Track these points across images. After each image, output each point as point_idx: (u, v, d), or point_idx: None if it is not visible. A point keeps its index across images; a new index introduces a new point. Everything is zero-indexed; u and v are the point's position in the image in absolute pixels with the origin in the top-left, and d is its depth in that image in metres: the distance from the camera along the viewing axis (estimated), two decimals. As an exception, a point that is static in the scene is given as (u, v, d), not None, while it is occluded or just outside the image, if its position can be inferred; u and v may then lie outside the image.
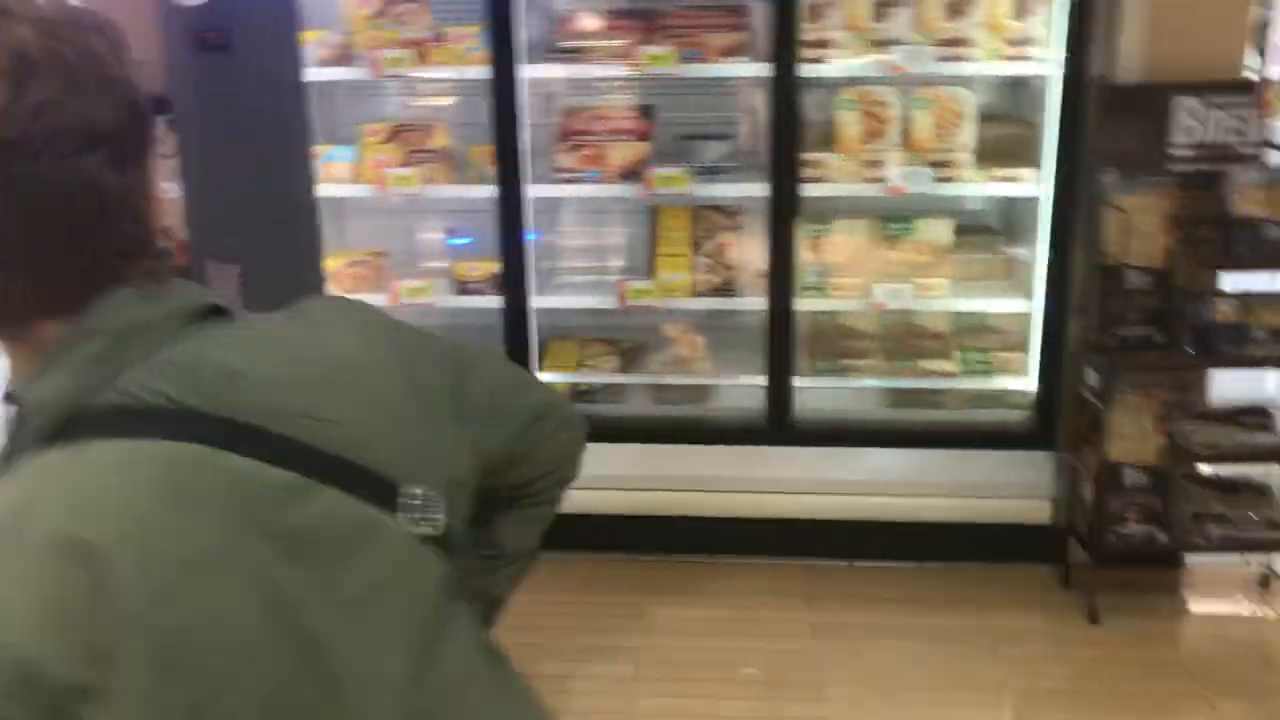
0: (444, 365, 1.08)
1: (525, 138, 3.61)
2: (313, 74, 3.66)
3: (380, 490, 0.93)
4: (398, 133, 3.76)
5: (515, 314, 3.74)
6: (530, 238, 3.73)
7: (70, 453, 0.84)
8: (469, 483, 1.03)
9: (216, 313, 0.96)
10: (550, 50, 3.65)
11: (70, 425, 0.85)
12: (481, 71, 3.57)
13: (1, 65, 0.81)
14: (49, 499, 0.82)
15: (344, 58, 3.64)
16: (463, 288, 3.86)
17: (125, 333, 0.88)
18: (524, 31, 3.54)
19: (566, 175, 3.70)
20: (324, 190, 3.84)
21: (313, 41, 3.61)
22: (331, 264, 3.89)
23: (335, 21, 3.71)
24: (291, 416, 0.91)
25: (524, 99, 3.57)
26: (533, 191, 3.67)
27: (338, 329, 1.03)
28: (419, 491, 0.95)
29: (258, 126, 2.67)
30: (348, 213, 4.22)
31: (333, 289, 3.74)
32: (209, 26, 2.52)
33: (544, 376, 3.85)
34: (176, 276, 0.95)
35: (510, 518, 1.21)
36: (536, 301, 3.78)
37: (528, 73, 3.56)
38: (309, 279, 2.84)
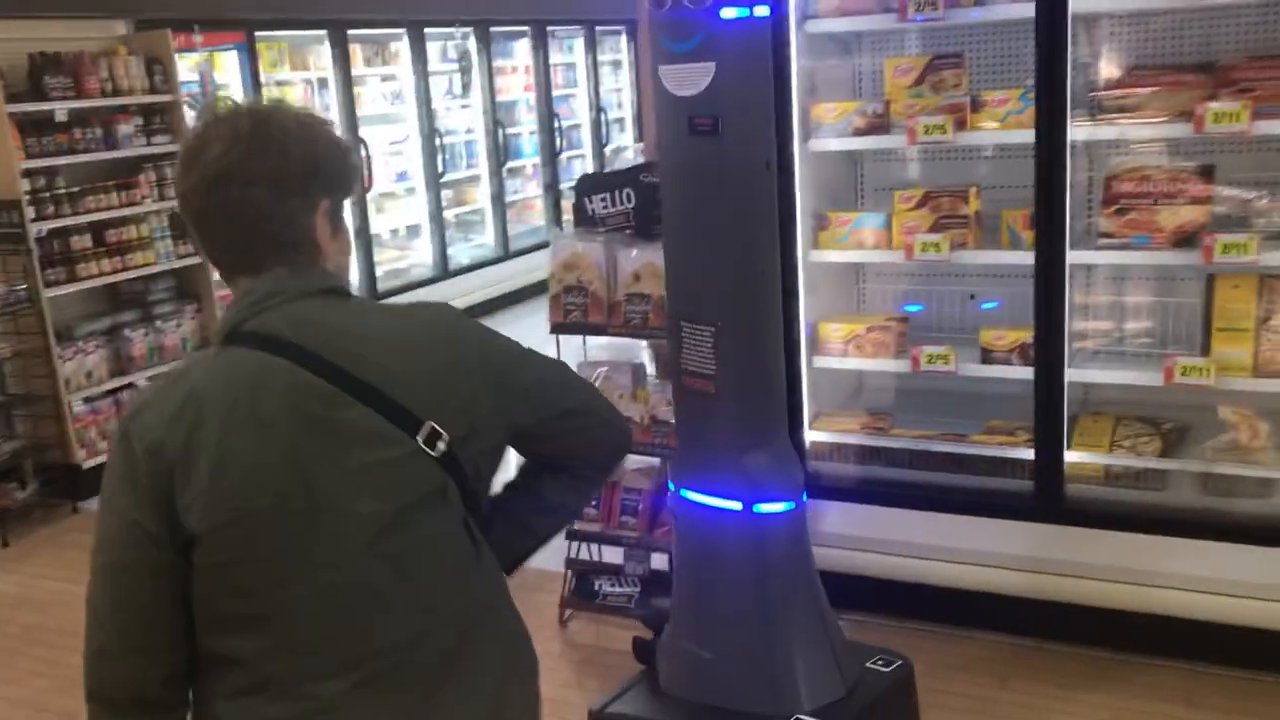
0: (498, 359, 1.61)
1: (1070, 202, 3.43)
2: (845, 144, 3.78)
3: (403, 418, 1.46)
4: (928, 198, 3.74)
5: (1047, 386, 3.54)
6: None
7: (222, 350, 1.48)
8: (489, 436, 1.57)
9: (336, 293, 1.54)
10: (1094, 109, 3.45)
11: (230, 337, 1.48)
12: (1020, 135, 3.45)
13: (223, 135, 1.47)
14: (199, 370, 1.48)
15: (879, 126, 3.70)
16: (987, 356, 3.73)
17: (271, 292, 1.49)
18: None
19: (1111, 240, 3.45)
20: (849, 256, 3.92)
21: (849, 112, 3.72)
22: (849, 328, 3.95)
23: (871, 93, 3.80)
24: (352, 356, 1.46)
25: (1069, 163, 3.39)
26: (1073, 258, 3.47)
27: (422, 318, 1.58)
28: (431, 425, 1.47)
29: (734, 203, 2.90)
30: (869, 277, 4.27)
31: (812, 350, 3.79)
32: (701, 113, 2.78)
33: (1072, 455, 3.61)
34: (321, 269, 1.55)
35: (556, 480, 1.74)
36: (1071, 374, 3.55)
37: (1074, 134, 3.39)
38: (773, 340, 3.01)
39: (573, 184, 4.31)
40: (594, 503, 4.00)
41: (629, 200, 3.89)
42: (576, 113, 11.30)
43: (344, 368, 1.45)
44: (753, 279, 2.94)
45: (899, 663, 3.14)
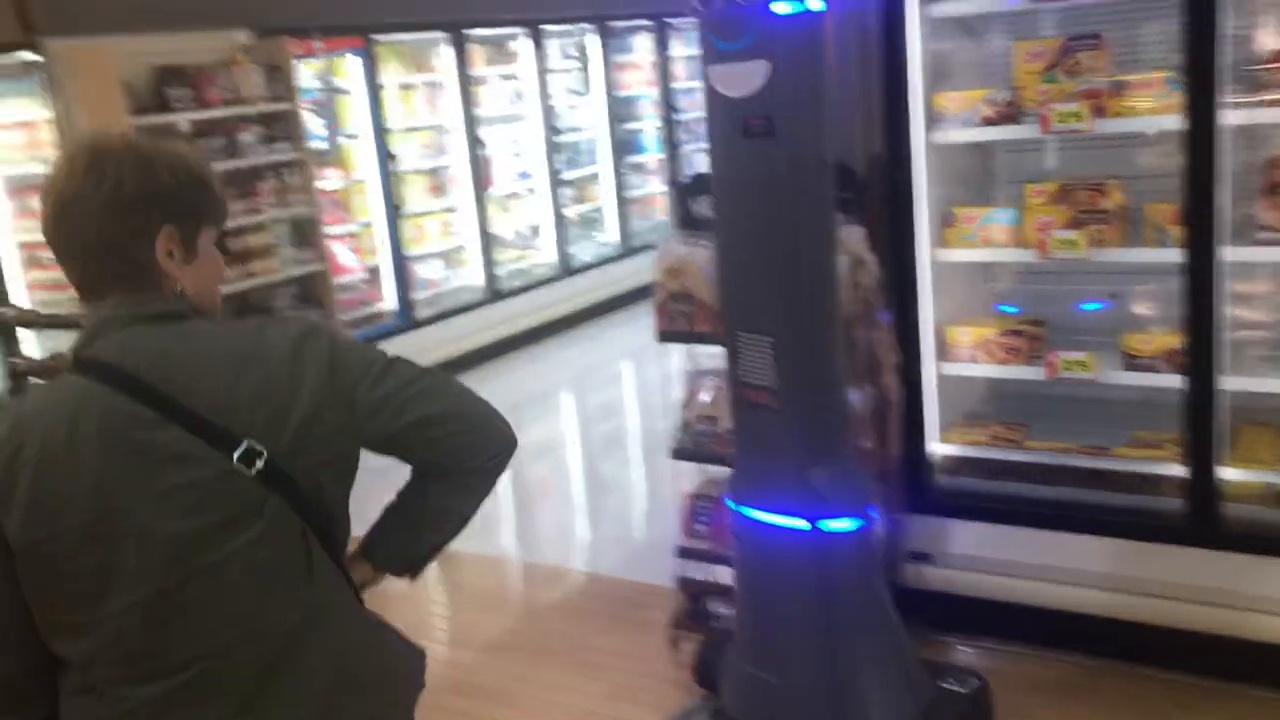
0: (346, 374, 1.63)
1: (1222, 194, 3.09)
2: (971, 134, 3.51)
3: (219, 438, 1.53)
4: (1064, 192, 3.44)
5: (1199, 395, 3.21)
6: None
7: (59, 377, 1.60)
8: (329, 449, 1.62)
9: (171, 317, 1.61)
10: (1251, 87, 3.10)
11: (71, 363, 1.59)
12: (1169, 121, 3.13)
13: (65, 169, 1.61)
14: (32, 398, 1.67)
15: (1009, 115, 3.42)
16: (1131, 362, 3.42)
17: (107, 318, 1.60)
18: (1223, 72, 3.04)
19: (1273, 234, 3.10)
20: (977, 255, 3.65)
21: (976, 101, 3.46)
22: (979, 332, 3.68)
23: (1001, 79, 3.52)
24: (174, 380, 1.55)
25: (1223, 149, 3.06)
26: (1227, 254, 3.13)
27: (263, 338, 1.64)
28: (249, 443, 1.54)
29: (791, 206, 2.73)
30: (1001, 276, 3.98)
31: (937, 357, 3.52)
32: (755, 114, 2.65)
33: (1230, 472, 3.27)
34: (161, 294, 1.62)
35: (440, 484, 1.78)
36: (1226, 382, 3.21)
37: (1227, 118, 3.05)
38: (834, 349, 2.86)
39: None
40: (703, 519, 3.83)
41: (738, 202, 3.69)
42: (699, 105, 11.06)
43: (163, 391, 1.54)
44: (812, 286, 2.78)
45: (976, 683, 3.00)
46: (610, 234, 9.86)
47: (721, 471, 3.87)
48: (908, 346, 3.66)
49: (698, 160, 11.07)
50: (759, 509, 2.83)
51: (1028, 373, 3.63)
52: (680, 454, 3.82)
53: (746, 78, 2.66)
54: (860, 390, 3.45)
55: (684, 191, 3.83)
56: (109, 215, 1.58)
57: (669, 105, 10.31)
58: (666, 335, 3.72)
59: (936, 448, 3.76)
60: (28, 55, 5.46)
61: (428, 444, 1.72)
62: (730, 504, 2.96)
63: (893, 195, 3.56)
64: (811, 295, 2.78)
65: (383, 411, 1.65)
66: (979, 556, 3.62)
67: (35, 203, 5.47)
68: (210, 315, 1.71)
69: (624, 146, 9.82)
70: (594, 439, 6.73)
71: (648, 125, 10.36)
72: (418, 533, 1.83)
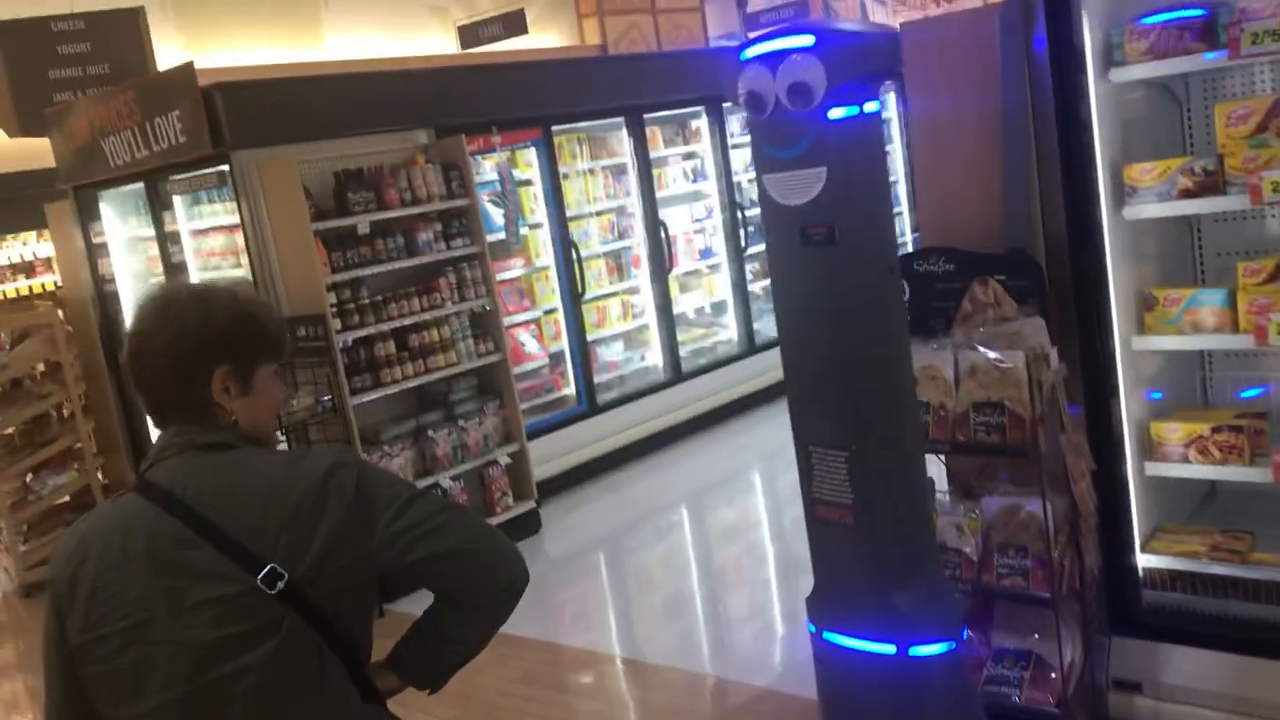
0: (368, 506, 1.79)
1: None
2: (1168, 209, 3.12)
3: (247, 559, 1.73)
4: (1283, 270, 2.99)
5: None
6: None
7: (122, 495, 1.85)
8: (348, 577, 1.78)
9: (220, 447, 1.83)
10: None
11: (135, 484, 1.84)
12: None
13: (138, 318, 1.87)
14: (97, 514, 1.87)
15: (1211, 185, 3.01)
16: (1380, 466, 2.92)
17: (166, 445, 1.85)
18: None
19: None
20: (1182, 342, 3.23)
21: (1172, 171, 3.07)
22: (1190, 428, 3.24)
23: (1202, 146, 3.12)
24: (213, 506, 1.76)
25: None
26: None
27: (297, 469, 1.81)
28: (272, 566, 1.72)
29: (859, 314, 2.66)
30: (1215, 364, 3.52)
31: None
32: (815, 222, 2.62)
33: None
34: (215, 425, 1.86)
35: (455, 612, 1.91)
36: None
37: None
38: (915, 460, 2.74)
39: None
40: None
41: (903, 292, 3.40)
42: (893, 170, 10.74)
43: (201, 514, 1.75)
44: (885, 396, 2.68)
45: None
46: (799, 307, 9.58)
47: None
48: (1104, 447, 3.26)
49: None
50: (842, 634, 2.67)
51: (1250, 474, 3.16)
52: (849, 567, 3.52)
53: (804, 186, 2.63)
54: (1048, 500, 3.08)
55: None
56: (171, 359, 1.82)
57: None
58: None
59: (1142, 560, 3.32)
60: (220, 167, 5.74)
61: (441, 576, 1.85)
62: (811, 628, 2.78)
63: (1078, 280, 3.19)
64: (885, 406, 2.68)
65: (398, 544, 1.79)
66: (1198, 689, 3.15)
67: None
68: (263, 442, 1.93)
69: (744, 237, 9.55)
70: (784, 527, 6.43)
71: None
72: (436, 653, 1.96)
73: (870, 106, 2.64)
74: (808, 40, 2.60)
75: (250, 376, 1.88)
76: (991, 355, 3.08)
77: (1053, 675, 3.17)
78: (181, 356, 1.81)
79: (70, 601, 1.78)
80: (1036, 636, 3.25)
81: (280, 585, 1.71)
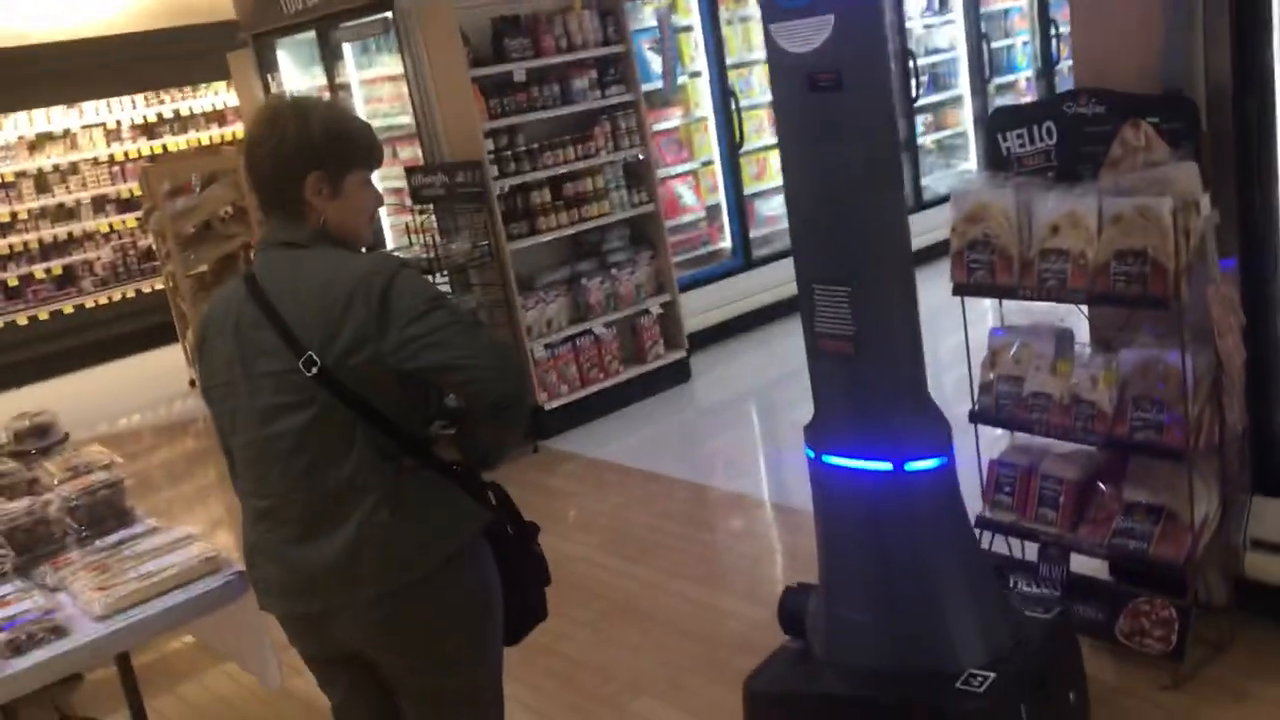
0: (393, 311, 2.03)
1: None
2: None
3: (294, 344, 2.06)
4: None
5: None
6: None
7: (237, 278, 2.21)
8: (369, 369, 2.05)
9: (297, 245, 2.14)
10: None
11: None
12: None
13: (251, 123, 2.19)
14: (220, 290, 2.25)
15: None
16: None
17: (264, 238, 2.22)
18: None
19: None
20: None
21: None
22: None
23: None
24: (279, 295, 2.09)
25: None
26: None
27: (345, 270, 2.08)
28: (309, 353, 2.04)
29: (862, 157, 2.72)
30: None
31: None
32: (822, 69, 2.68)
33: None
34: (303, 225, 2.15)
35: (470, 422, 2.22)
36: None
37: None
38: (908, 295, 2.86)
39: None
40: (1006, 490, 3.49)
41: (1049, 136, 3.27)
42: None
43: (270, 302, 2.08)
44: (885, 234, 2.82)
45: (1059, 608, 3.03)
46: (970, 163, 9.23)
47: (1026, 438, 3.52)
48: (1257, 302, 3.10)
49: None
50: (842, 455, 2.86)
51: None
52: (979, 417, 3.49)
53: (813, 32, 2.68)
54: (1189, 354, 2.97)
55: (993, 125, 3.44)
56: (273, 161, 2.11)
57: (1045, 16, 9.43)
58: (961, 288, 3.38)
59: (1291, 421, 3.18)
60: (385, 14, 5.88)
61: (446, 385, 2.13)
62: (810, 453, 2.94)
63: (1240, 124, 2.99)
64: (882, 243, 2.81)
65: (405, 350, 2.02)
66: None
67: (402, 150, 5.92)
68: (351, 243, 2.19)
69: (990, 66, 9.11)
70: (946, 385, 6.34)
71: (1018, 41, 9.56)
72: (469, 443, 2.25)
73: None
74: None
75: (340, 182, 2.14)
76: (1137, 201, 2.94)
77: (1184, 531, 3.11)
78: (281, 159, 2.10)
79: (199, 355, 2.26)
80: (1169, 493, 3.17)
81: (314, 370, 2.03)
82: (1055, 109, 3.25)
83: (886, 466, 2.78)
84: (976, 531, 3.56)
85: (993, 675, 2.71)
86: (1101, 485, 3.37)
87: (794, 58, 2.72)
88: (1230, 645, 3.20)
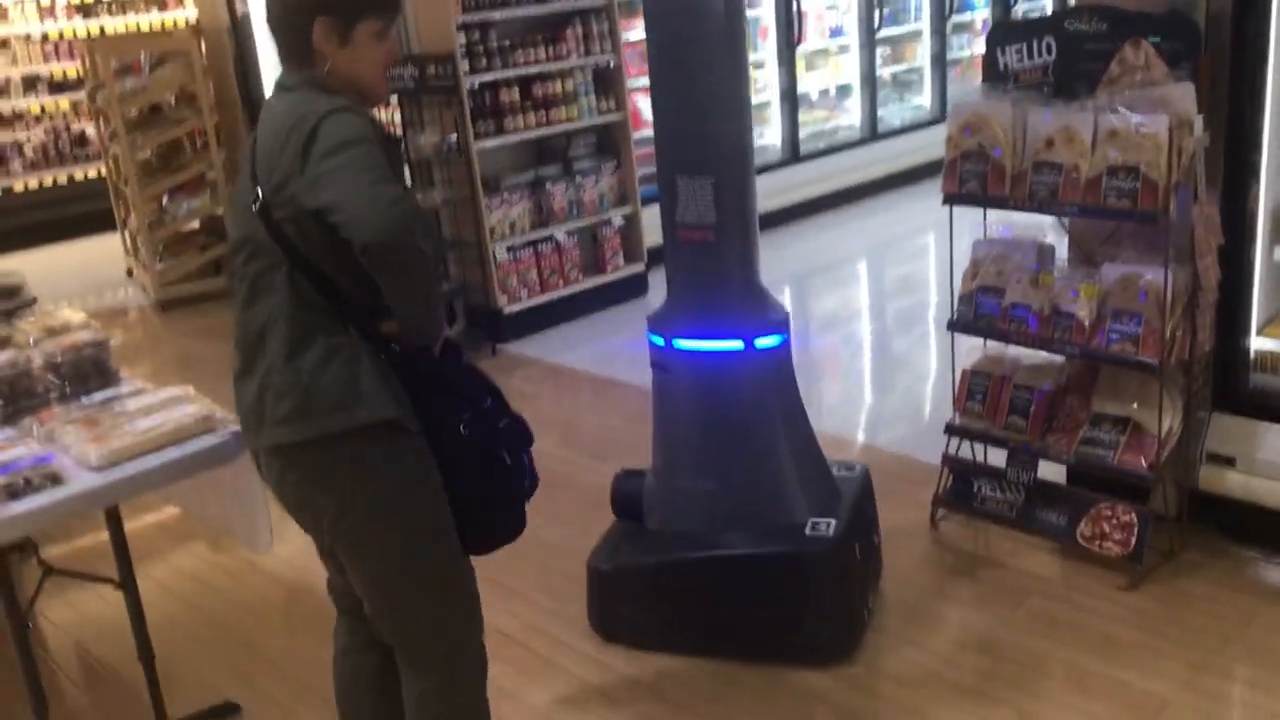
0: (312, 153, 1.97)
1: None
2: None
3: (253, 179, 2.10)
4: None
5: None
6: None
7: None
8: (292, 206, 2.02)
9: (290, 89, 2.12)
10: None
11: None
12: None
13: None
14: None
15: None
16: None
17: (275, 81, 2.18)
18: None
19: None
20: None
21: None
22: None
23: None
24: (258, 138, 2.13)
25: None
26: None
27: (294, 114, 2.03)
28: (257, 188, 2.08)
29: (727, 47, 2.93)
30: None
31: None
32: None
33: None
34: (308, 71, 2.12)
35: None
36: None
37: None
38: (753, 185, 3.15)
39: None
40: (978, 396, 3.60)
41: (1049, 52, 3.33)
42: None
43: (254, 142, 2.14)
44: (741, 128, 3.04)
45: (861, 467, 3.41)
46: (925, 97, 9.32)
47: (998, 349, 3.62)
48: (1235, 226, 3.22)
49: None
50: (696, 338, 3.10)
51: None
52: (957, 326, 3.58)
53: None
54: (1170, 270, 3.08)
55: (992, 39, 3.49)
56: (284, 5, 2.10)
57: (1004, -42, 9.50)
58: (954, 198, 3.45)
59: (1255, 343, 3.32)
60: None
61: (335, 227, 1.96)
62: (659, 340, 3.17)
63: (1237, 48, 3.08)
64: (739, 136, 3.03)
65: (310, 189, 1.96)
66: (1294, 468, 3.20)
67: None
68: (364, 95, 2.14)
69: (950, 3, 9.16)
70: (888, 312, 6.48)
71: (978, -19, 9.62)
72: (395, 312, 2.10)
73: None
74: None
75: (350, 30, 2.08)
76: (1134, 118, 3.02)
77: (1149, 441, 3.24)
78: (290, 4, 2.09)
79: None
80: (1136, 405, 3.31)
81: (255, 205, 2.06)
82: (1056, 25, 3.31)
83: (739, 345, 3.07)
84: (953, 442, 3.69)
85: (833, 520, 3.06)
86: (1069, 396, 3.49)
87: None
88: (1179, 553, 3.36)
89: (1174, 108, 3.01)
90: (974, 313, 3.53)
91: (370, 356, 2.09)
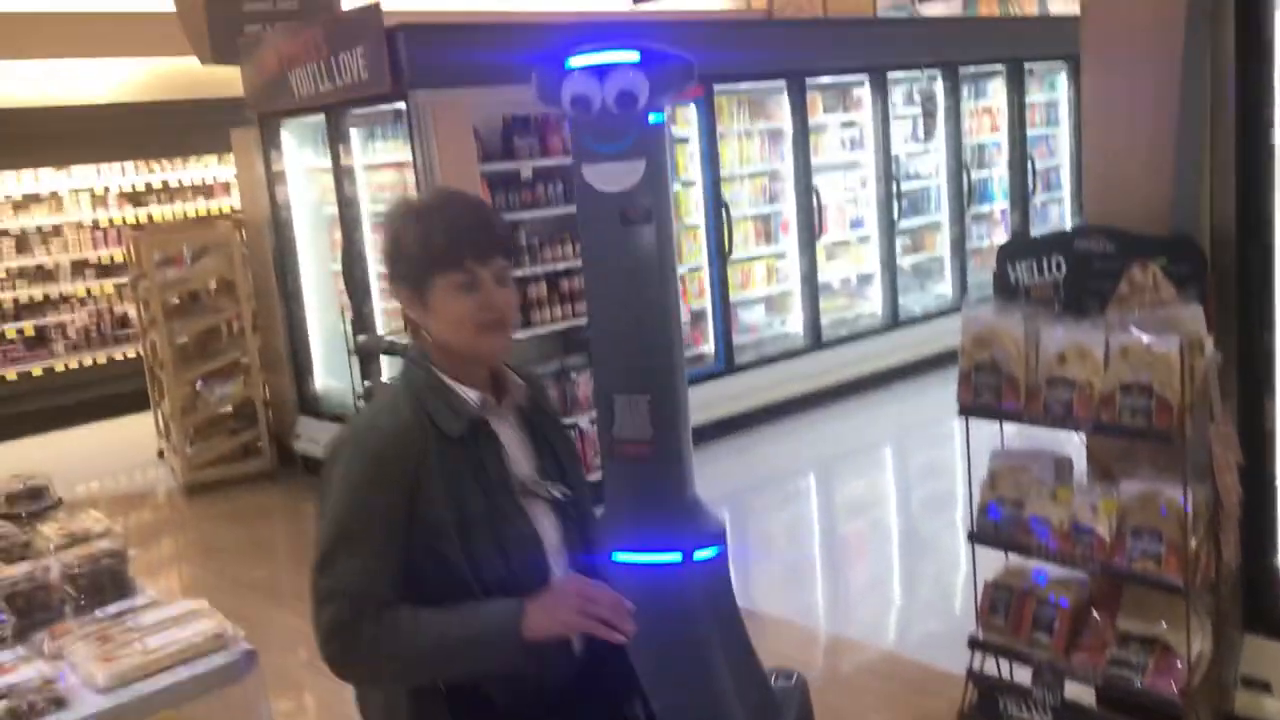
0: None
1: None
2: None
3: None
4: None
5: None
6: None
7: None
8: None
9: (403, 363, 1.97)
10: None
11: None
12: None
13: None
14: None
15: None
16: None
17: None
18: None
19: None
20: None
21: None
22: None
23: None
24: None
25: None
26: None
27: (354, 418, 2.06)
28: None
29: (658, 282, 3.19)
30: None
31: None
32: (634, 205, 3.18)
33: None
34: (416, 342, 1.97)
35: None
36: None
37: None
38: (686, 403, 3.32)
39: (1053, 229, 3.91)
40: (1001, 611, 3.53)
41: (1059, 269, 3.40)
42: (1056, 153, 10.49)
43: None
44: (674, 346, 3.26)
45: (799, 677, 3.49)
46: (946, 286, 9.48)
47: (1020, 562, 3.57)
48: (1254, 445, 3.21)
49: (1051, 212, 10.43)
50: (635, 550, 3.12)
51: None
52: (978, 537, 3.55)
53: (625, 175, 3.19)
54: (1189, 488, 3.05)
55: (1003, 255, 3.57)
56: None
57: (1023, 153, 9.79)
58: (969, 409, 3.46)
59: (1286, 561, 3.27)
60: (397, 105, 6.00)
61: None
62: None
63: (1243, 270, 3.14)
64: (673, 355, 3.22)
65: None
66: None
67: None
68: (470, 361, 1.88)
69: (969, 195, 9.42)
70: (910, 503, 6.45)
71: (996, 173, 9.90)
72: None
73: (666, 116, 3.33)
74: (634, 56, 3.26)
75: (426, 295, 1.84)
76: (1145, 338, 3.06)
77: (1178, 664, 3.15)
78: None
79: None
80: (1164, 624, 3.23)
81: None
82: (1066, 243, 3.39)
83: (677, 557, 3.11)
84: (977, 656, 3.61)
85: None
86: (1095, 613, 3.42)
87: (604, 196, 3.22)
88: (1218, 781, 3.23)
89: (1184, 328, 3.04)
90: (994, 525, 3.50)
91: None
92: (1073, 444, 3.56)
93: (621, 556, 3.12)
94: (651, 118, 3.23)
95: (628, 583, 3.12)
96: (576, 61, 3.31)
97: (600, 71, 3.27)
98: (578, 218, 3.39)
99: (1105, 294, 3.27)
